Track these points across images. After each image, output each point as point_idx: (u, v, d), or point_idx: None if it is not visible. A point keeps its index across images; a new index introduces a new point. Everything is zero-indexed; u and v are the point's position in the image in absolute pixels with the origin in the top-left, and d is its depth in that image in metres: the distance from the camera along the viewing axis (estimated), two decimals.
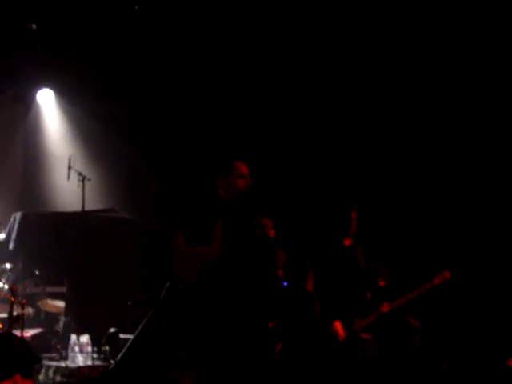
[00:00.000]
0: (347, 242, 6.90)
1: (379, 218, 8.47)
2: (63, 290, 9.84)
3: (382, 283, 7.28)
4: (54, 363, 8.24)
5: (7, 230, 10.10)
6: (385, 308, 6.74)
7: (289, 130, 9.91)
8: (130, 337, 7.97)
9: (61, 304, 9.68)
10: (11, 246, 9.99)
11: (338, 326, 6.64)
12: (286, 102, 9.97)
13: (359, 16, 9.25)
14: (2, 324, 7.79)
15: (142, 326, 6.87)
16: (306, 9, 9.32)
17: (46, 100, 11.74)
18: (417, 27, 9.00)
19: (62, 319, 9.51)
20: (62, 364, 8.22)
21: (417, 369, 7.32)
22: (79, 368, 8.13)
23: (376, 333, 6.77)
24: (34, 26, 9.76)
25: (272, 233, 7.33)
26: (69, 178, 9.67)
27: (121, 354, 6.98)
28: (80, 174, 9.62)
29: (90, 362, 8.29)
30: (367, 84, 9.38)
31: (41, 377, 7.97)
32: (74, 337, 8.45)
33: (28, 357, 4.07)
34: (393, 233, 8.57)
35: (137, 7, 9.85)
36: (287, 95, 9.95)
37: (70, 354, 8.36)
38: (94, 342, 8.56)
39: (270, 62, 9.91)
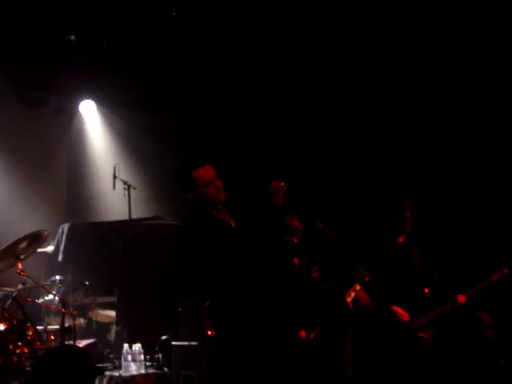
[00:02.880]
0: (400, 240, 6.79)
1: (429, 213, 8.32)
2: (114, 299, 9.85)
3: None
4: (108, 373, 8.26)
5: (55, 241, 10.14)
6: (461, 298, 6.58)
7: (340, 129, 9.81)
8: (183, 343, 7.95)
9: (112, 313, 9.70)
10: (60, 258, 10.03)
11: (397, 308, 6.52)
12: (337, 101, 9.88)
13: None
14: (55, 336, 7.79)
15: None
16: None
17: (89, 111, 11.82)
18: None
19: (114, 329, 9.53)
20: (116, 373, 8.23)
21: (491, 364, 7.13)
22: (133, 377, 8.15)
23: (436, 331, 6.64)
24: (72, 38, 9.78)
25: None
26: (114, 187, 9.69)
27: None
28: (125, 182, 9.64)
29: (143, 371, 8.30)
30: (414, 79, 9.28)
31: None
32: (126, 346, 8.47)
33: (90, 369, 4.01)
34: (443, 227, 8.40)
35: (174, 13, 9.81)
36: (337, 95, 9.86)
37: (123, 363, 8.39)
38: (147, 350, 8.56)
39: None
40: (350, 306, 6.74)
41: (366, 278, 6.74)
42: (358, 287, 6.71)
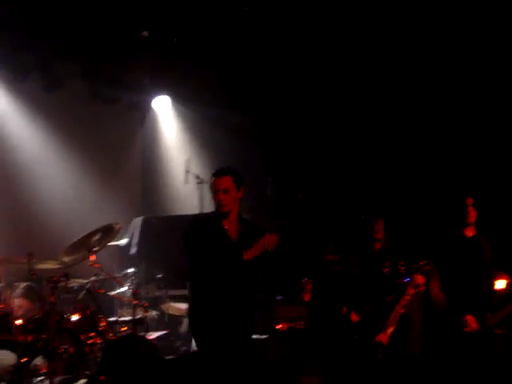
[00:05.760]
0: (469, 233, 6.69)
1: (496, 209, 8.19)
2: (185, 292, 9.92)
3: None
4: None
5: (129, 234, 10.29)
6: None
7: (401, 128, 9.77)
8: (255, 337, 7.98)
9: (183, 306, 9.76)
10: (133, 251, 10.17)
11: (470, 318, 6.45)
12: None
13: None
14: (127, 327, 7.91)
15: None
16: None
17: (162, 106, 11.95)
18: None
19: (185, 321, 9.61)
20: None
21: None
22: None
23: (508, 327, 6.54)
24: (145, 34, 9.90)
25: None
26: (186, 181, 9.74)
27: None
28: (197, 177, 9.66)
29: None
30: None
31: None
32: None
33: (155, 360, 4.04)
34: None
35: (246, 8, 9.83)
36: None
37: None
38: None
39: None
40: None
41: (427, 267, 6.65)
42: (420, 279, 6.62)
